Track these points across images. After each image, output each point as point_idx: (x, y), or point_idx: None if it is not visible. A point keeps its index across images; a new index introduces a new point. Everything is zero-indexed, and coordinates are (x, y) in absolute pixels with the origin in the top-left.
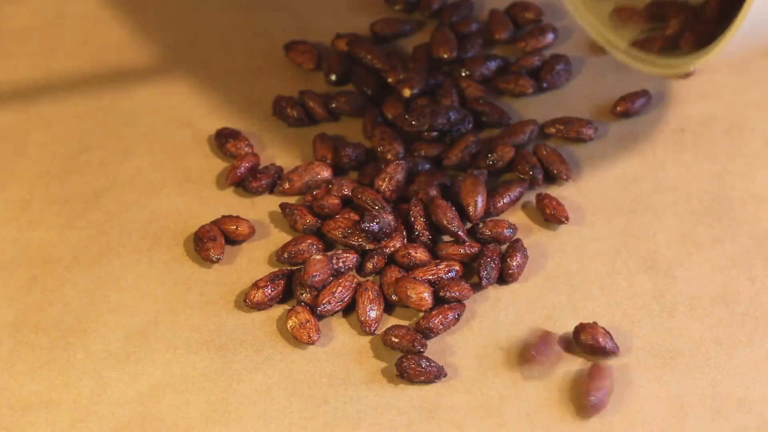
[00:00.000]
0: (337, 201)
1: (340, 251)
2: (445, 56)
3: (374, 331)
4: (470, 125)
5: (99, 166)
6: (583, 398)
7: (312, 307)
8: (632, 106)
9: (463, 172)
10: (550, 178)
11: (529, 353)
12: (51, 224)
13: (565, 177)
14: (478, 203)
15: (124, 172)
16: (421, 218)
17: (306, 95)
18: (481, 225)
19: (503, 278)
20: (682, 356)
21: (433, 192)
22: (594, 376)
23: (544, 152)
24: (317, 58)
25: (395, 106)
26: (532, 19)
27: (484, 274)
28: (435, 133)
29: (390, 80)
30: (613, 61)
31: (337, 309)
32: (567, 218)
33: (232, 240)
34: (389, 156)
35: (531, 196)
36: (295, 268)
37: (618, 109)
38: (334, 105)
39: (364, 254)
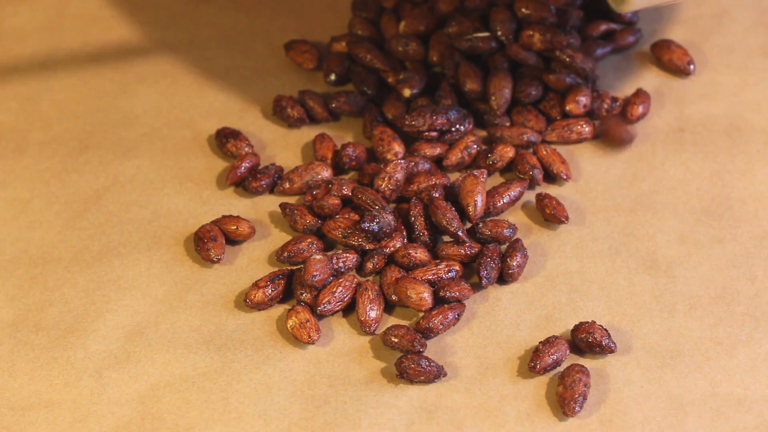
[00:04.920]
0: (337, 201)
1: (340, 251)
2: (435, 59)
3: (374, 331)
4: (470, 125)
5: (99, 166)
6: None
7: (312, 307)
8: (633, 107)
9: (463, 172)
10: (550, 178)
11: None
12: (51, 224)
13: (565, 177)
14: (477, 203)
15: (124, 172)
16: (421, 218)
17: (306, 95)
18: (481, 225)
19: (503, 278)
20: (682, 356)
21: (436, 193)
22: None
23: (544, 152)
24: (317, 57)
25: (395, 106)
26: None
27: (484, 274)
28: (435, 133)
29: (390, 80)
30: (612, 62)
31: (337, 309)
32: (567, 218)
33: (232, 240)
34: (389, 156)
35: (531, 196)
36: (295, 268)
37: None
38: (334, 105)
39: (364, 254)
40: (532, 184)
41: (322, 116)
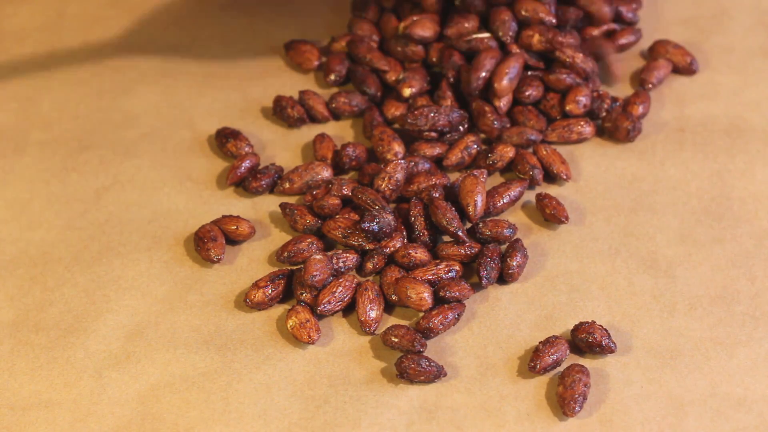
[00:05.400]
0: (337, 201)
1: (340, 251)
2: (435, 59)
3: (374, 331)
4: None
5: (99, 165)
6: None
7: (312, 307)
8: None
9: (463, 172)
10: (550, 178)
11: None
12: (51, 224)
13: (565, 177)
14: (477, 203)
15: (124, 171)
16: (421, 218)
17: (306, 95)
18: (480, 225)
19: (503, 278)
20: (682, 356)
21: (436, 193)
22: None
23: (544, 152)
24: (317, 57)
25: (395, 106)
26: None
27: (484, 274)
28: (435, 134)
29: (391, 79)
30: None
31: (337, 309)
32: (567, 218)
33: (232, 240)
34: (388, 156)
35: (531, 196)
36: (295, 267)
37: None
38: (334, 105)
39: (364, 254)
40: (532, 184)
41: (322, 116)
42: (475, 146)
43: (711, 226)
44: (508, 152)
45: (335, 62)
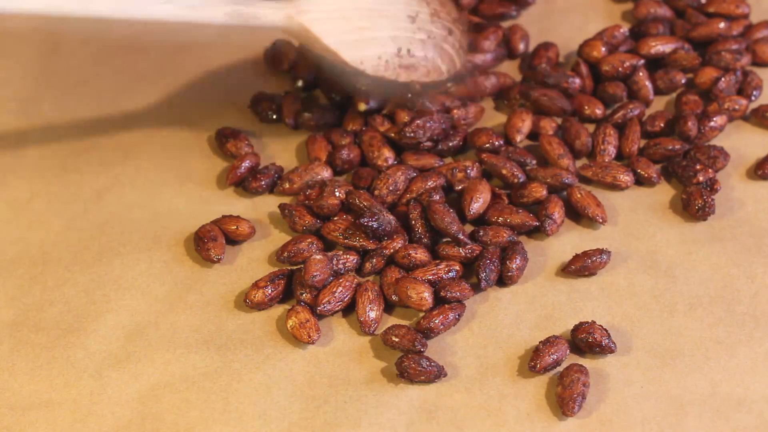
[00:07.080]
0: (336, 202)
1: (341, 252)
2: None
3: (374, 331)
4: (460, 142)
5: (99, 165)
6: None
7: (312, 307)
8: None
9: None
10: (577, 216)
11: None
12: (51, 224)
13: (600, 220)
14: (477, 201)
15: (124, 171)
16: (421, 221)
17: (285, 98)
18: (481, 233)
19: (502, 280)
20: (681, 356)
21: (436, 195)
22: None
23: (579, 195)
24: (293, 59)
25: (355, 121)
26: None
27: (483, 276)
28: (430, 143)
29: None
30: None
31: (337, 309)
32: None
33: (232, 240)
34: (379, 162)
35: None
36: (295, 267)
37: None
38: (301, 120)
39: (364, 255)
40: (540, 229)
41: (289, 123)
42: (467, 169)
43: (711, 225)
44: (538, 191)
45: (303, 69)
